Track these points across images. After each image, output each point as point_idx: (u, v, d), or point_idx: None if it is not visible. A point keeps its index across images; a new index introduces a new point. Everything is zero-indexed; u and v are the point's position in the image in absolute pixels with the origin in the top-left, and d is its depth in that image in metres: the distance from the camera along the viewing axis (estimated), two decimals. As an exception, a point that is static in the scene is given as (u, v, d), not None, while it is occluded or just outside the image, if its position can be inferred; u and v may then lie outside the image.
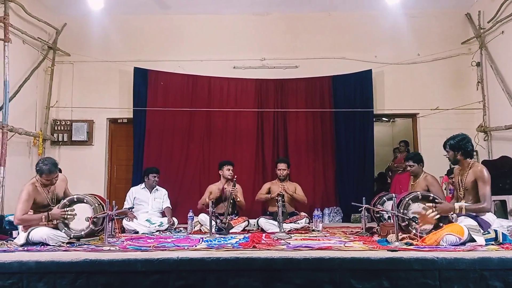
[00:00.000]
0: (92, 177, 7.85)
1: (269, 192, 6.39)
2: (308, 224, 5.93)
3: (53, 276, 3.30)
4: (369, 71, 7.97)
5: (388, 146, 10.27)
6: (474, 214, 4.13)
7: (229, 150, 7.84)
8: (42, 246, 4.10)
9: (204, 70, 8.09)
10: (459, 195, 4.40)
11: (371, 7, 7.91)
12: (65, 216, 4.41)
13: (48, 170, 4.44)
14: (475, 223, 4.02)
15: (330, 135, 7.97)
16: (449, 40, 8.08)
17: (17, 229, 4.85)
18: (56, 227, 4.39)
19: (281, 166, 6.44)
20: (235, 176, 6.15)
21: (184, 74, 8.06)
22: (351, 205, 5.48)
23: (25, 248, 4.02)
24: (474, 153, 7.14)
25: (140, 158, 7.77)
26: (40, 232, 4.22)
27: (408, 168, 5.45)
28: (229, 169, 6.31)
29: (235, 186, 6.05)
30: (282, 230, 5.05)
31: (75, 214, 4.45)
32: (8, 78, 6.46)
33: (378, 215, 5.39)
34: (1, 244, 4.30)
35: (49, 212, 4.37)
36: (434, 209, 4.19)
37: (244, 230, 5.88)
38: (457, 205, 4.15)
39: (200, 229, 5.85)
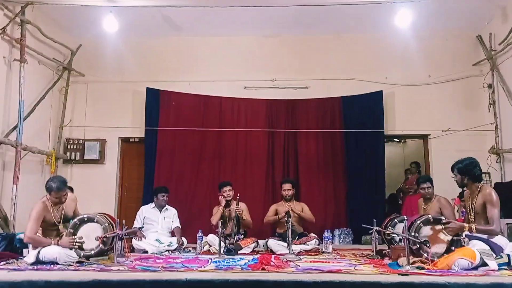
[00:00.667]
0: (103, 196, 7.90)
1: (276, 213, 6.35)
2: (318, 246, 5.88)
3: (62, 296, 3.31)
4: (380, 92, 7.97)
5: (399, 167, 10.19)
6: (486, 237, 4.07)
7: (239, 170, 7.85)
8: (52, 265, 4.12)
9: (215, 90, 8.17)
10: (469, 219, 4.35)
11: (381, 29, 7.96)
12: (74, 245, 4.42)
13: (57, 188, 4.50)
14: (487, 247, 3.96)
15: (341, 155, 7.95)
16: (460, 62, 8.08)
17: (28, 247, 4.88)
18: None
19: (286, 186, 6.44)
20: (238, 194, 6.17)
21: (196, 94, 8.14)
22: (362, 226, 5.43)
23: (35, 267, 4.04)
24: (486, 176, 7.14)
25: (151, 177, 7.81)
26: (51, 251, 4.25)
27: (426, 190, 5.40)
28: (225, 191, 6.28)
29: (238, 205, 6.07)
30: (292, 252, 5.01)
31: (83, 243, 4.47)
32: (23, 97, 6.60)
33: (389, 238, 5.33)
34: (12, 262, 4.32)
35: (59, 241, 4.41)
36: (445, 231, 4.15)
37: (253, 251, 5.85)
38: (467, 225, 4.13)
39: (209, 250, 5.83)
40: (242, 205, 6.28)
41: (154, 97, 8.05)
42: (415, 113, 8.07)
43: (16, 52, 6.74)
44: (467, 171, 4.32)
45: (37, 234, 4.49)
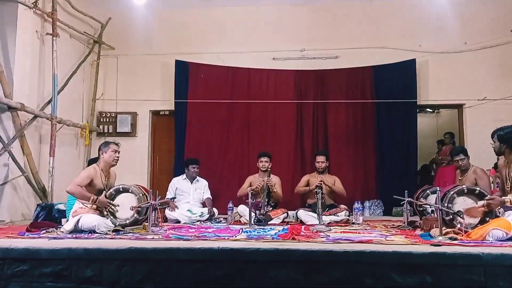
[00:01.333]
0: (136, 168, 8.08)
1: (308, 184, 6.38)
2: (348, 217, 5.89)
3: (100, 263, 3.44)
4: (413, 61, 7.75)
5: (432, 138, 9.99)
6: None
7: (268, 142, 7.86)
8: (90, 234, 4.27)
9: (243, 62, 8.12)
10: (505, 188, 4.25)
11: (414, -6, 7.68)
12: (109, 207, 4.58)
13: (110, 143, 4.87)
14: (524, 218, 3.88)
15: (372, 127, 7.85)
16: (497, 28, 7.73)
17: (66, 217, 5.09)
18: (102, 216, 4.56)
19: (320, 158, 6.42)
20: (270, 166, 6.23)
21: (224, 66, 8.12)
22: (393, 198, 5.38)
23: (74, 236, 4.20)
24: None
25: (182, 149, 7.92)
26: (90, 219, 4.41)
27: (460, 162, 5.29)
28: (262, 161, 6.34)
29: (269, 177, 6.13)
30: (322, 223, 5.04)
31: (117, 210, 4.62)
32: (56, 71, 6.74)
33: (421, 209, 5.27)
34: (51, 231, 4.51)
35: (98, 198, 4.57)
36: (486, 208, 4.07)
37: (283, 222, 5.91)
38: (507, 198, 4.03)
39: (239, 220, 5.93)
40: (275, 178, 6.34)
41: (183, 70, 8.07)
42: (449, 82, 7.83)
43: (48, 26, 6.86)
44: (507, 139, 4.22)
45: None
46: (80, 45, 7.90)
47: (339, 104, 7.88)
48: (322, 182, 6.03)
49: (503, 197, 4.08)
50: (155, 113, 8.49)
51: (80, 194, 4.57)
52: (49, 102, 6.82)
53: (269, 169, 6.25)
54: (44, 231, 4.45)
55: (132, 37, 8.36)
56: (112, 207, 4.61)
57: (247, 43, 8.19)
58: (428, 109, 9.83)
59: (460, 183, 5.11)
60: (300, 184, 6.48)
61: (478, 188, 4.28)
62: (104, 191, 4.71)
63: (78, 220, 4.42)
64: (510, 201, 4.02)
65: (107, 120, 8.27)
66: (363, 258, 3.27)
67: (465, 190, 4.25)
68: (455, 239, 3.76)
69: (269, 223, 5.61)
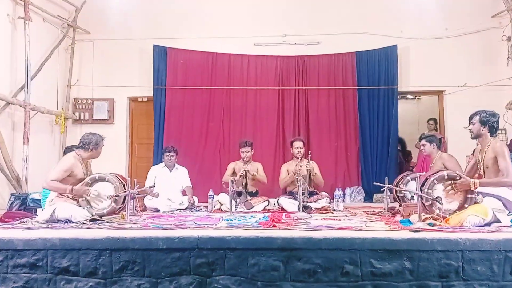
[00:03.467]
0: (114, 156, 7.93)
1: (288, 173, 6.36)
2: (328, 204, 5.94)
3: (77, 253, 3.43)
4: (394, 47, 7.82)
5: (413, 124, 10.11)
6: (498, 194, 4.07)
7: (249, 128, 7.87)
8: (66, 223, 4.23)
9: (224, 47, 8.06)
10: (480, 174, 4.35)
11: (396, -20, 7.70)
12: (88, 194, 4.53)
13: (102, 140, 4.82)
14: (500, 203, 3.97)
15: (353, 113, 7.90)
16: (478, 14, 7.82)
17: (41, 207, 5.02)
18: (79, 205, 4.52)
19: (298, 144, 6.31)
20: (252, 154, 6.33)
21: (204, 51, 8.05)
22: (373, 185, 5.46)
23: (49, 226, 4.15)
24: (502, 132, 7.07)
25: (161, 137, 7.87)
26: (66, 209, 4.36)
27: (421, 147, 5.56)
28: (243, 152, 6.35)
29: (247, 163, 6.23)
30: (302, 210, 5.08)
31: (97, 195, 4.57)
32: (29, 56, 6.59)
33: (401, 195, 5.36)
34: (26, 221, 4.45)
35: (73, 187, 4.51)
36: (454, 185, 4.15)
37: (264, 209, 5.94)
38: (476, 180, 4.09)
39: (220, 208, 5.94)
40: (257, 165, 6.40)
41: (161, 55, 7.98)
42: (430, 68, 7.91)
43: (19, 10, 6.68)
44: (488, 121, 4.28)
45: None
46: (54, 29, 7.72)
47: (321, 90, 7.91)
48: (300, 169, 6.01)
49: (471, 179, 4.13)
50: (133, 100, 8.39)
51: (56, 189, 4.52)
52: (22, 88, 6.67)
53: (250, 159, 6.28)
54: (19, 221, 4.39)
55: (108, 21, 8.18)
56: (92, 192, 4.55)
57: (227, 28, 8.11)
58: (409, 96, 9.93)
59: (431, 170, 5.21)
60: (282, 176, 6.39)
61: (459, 174, 4.33)
62: (83, 181, 4.65)
63: (54, 210, 4.37)
64: (477, 184, 4.07)
65: (83, 107, 8.15)
66: (343, 245, 3.33)
67: (446, 177, 4.32)
68: (434, 225, 3.84)
69: (250, 210, 5.64)
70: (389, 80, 7.81)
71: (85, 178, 4.68)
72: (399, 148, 8.46)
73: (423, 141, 5.64)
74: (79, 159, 4.73)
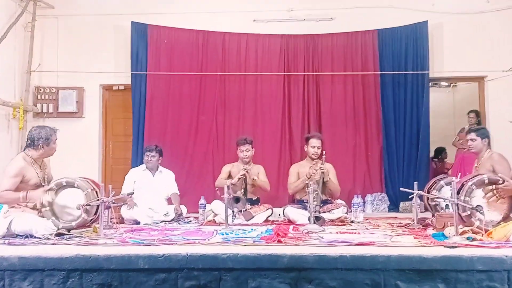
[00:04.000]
0: (84, 157, 7.98)
1: (299, 177, 6.34)
2: (345, 214, 5.94)
3: (40, 275, 3.43)
4: (425, 23, 7.81)
5: (448, 117, 10.12)
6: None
7: (248, 123, 7.88)
8: (26, 239, 4.23)
9: (217, 24, 8.05)
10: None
11: None
12: (46, 198, 4.52)
13: (54, 133, 4.82)
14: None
15: (375, 104, 7.90)
16: (528, -18, 7.84)
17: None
18: (41, 216, 4.52)
19: (316, 143, 6.31)
20: (252, 154, 6.34)
21: (193, 29, 8.04)
22: (400, 191, 5.46)
23: (6, 241, 4.15)
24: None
25: (141, 133, 7.86)
26: (25, 221, 4.36)
27: (469, 142, 5.41)
28: (242, 150, 6.35)
29: (246, 164, 6.23)
30: (314, 222, 5.09)
31: (54, 202, 4.58)
32: (-20, 36, 6.59)
33: (433, 204, 5.37)
34: (-23, 237, 4.45)
35: (28, 193, 4.51)
36: (496, 191, 4.15)
37: (267, 220, 5.95)
38: None
39: (213, 220, 5.94)
40: (257, 168, 6.40)
41: (141, 34, 7.97)
42: (468, 49, 7.91)
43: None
44: None
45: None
46: (10, 3, 7.71)
47: (336, 76, 7.91)
48: (315, 173, 6.03)
49: None
50: (107, 88, 8.40)
51: (10, 201, 4.52)
52: (-28, 74, 6.68)
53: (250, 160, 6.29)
54: (-31, 237, 4.39)
55: (76, -7, 8.22)
56: (49, 197, 4.55)
57: (222, 0, 8.12)
58: (443, 83, 9.93)
59: (476, 171, 5.20)
60: (291, 180, 6.36)
61: (501, 177, 4.33)
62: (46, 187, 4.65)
63: (11, 222, 4.37)
64: None
65: (47, 97, 8.14)
66: (364, 264, 3.33)
67: (486, 181, 4.32)
68: (474, 239, 3.84)
69: (249, 222, 5.65)
70: (419, 64, 7.80)
71: (40, 183, 4.67)
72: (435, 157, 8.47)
73: (473, 135, 5.39)
74: (29, 160, 4.71)
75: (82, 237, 4.35)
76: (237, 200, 5.65)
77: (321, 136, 6.64)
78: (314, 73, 7.94)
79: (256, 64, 8.00)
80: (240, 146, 6.39)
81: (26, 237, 4.29)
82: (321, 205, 5.98)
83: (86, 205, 4.53)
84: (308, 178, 5.99)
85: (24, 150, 4.85)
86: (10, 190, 4.48)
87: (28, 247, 3.85)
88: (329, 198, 6.31)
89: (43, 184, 4.74)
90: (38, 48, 8.19)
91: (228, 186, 5.34)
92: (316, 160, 6.26)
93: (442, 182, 5.46)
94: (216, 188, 6.23)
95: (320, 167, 6.03)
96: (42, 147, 4.75)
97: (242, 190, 6.09)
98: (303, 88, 7.94)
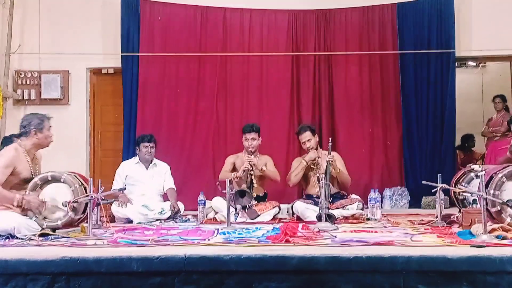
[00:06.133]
0: (70, 148, 8.00)
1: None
2: (361, 211, 5.96)
3: (23, 279, 3.44)
4: (450, -4, 7.80)
5: (476, 101, 10.10)
6: None
7: (252, 109, 7.91)
8: (8, 240, 4.26)
9: (217, -1, 8.06)
10: None
11: None
12: (43, 209, 4.55)
13: (47, 119, 4.79)
14: None
15: (395, 87, 7.91)
16: None
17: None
18: (24, 215, 4.55)
19: (305, 137, 6.33)
20: (259, 144, 6.35)
21: (190, 4, 8.04)
22: (422, 184, 5.47)
23: (-14, 242, 4.19)
24: None
25: (133, 122, 7.88)
26: (7, 220, 4.38)
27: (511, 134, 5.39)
28: (247, 139, 6.37)
29: (252, 155, 6.25)
30: (326, 219, 5.10)
31: (54, 208, 4.60)
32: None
33: (460, 198, 5.37)
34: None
35: (24, 196, 4.53)
36: None
37: (274, 218, 5.98)
38: None
39: (214, 218, 5.97)
40: (265, 158, 6.41)
41: (133, 11, 7.97)
42: (499, 25, 7.88)
43: None
44: None
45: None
46: (-14, -23, 7.74)
47: (350, 56, 7.91)
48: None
49: None
50: (95, 72, 8.41)
51: (1, 199, 4.54)
52: None
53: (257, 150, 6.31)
54: None
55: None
56: (48, 206, 4.58)
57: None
58: (470, 62, 9.89)
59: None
60: (294, 171, 6.40)
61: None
62: (30, 187, 4.63)
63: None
64: None
65: (28, 82, 8.16)
66: (381, 266, 3.34)
67: (518, 172, 4.32)
68: (504, 237, 3.84)
69: (255, 220, 5.67)
70: (443, 41, 7.80)
71: (31, 177, 4.69)
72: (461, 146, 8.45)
73: None
74: (22, 151, 4.73)
75: (69, 237, 4.37)
76: (242, 194, 5.65)
77: (312, 125, 6.66)
78: (326, 53, 7.94)
79: (261, 43, 8.01)
80: (246, 133, 6.39)
81: (7, 237, 4.31)
82: (332, 199, 5.98)
83: (73, 202, 4.54)
84: (307, 164, 6.01)
85: (17, 140, 4.87)
86: (1, 182, 4.50)
87: (9, 249, 3.87)
88: (342, 192, 6.32)
89: (34, 177, 4.73)
90: (18, 27, 8.20)
91: (230, 180, 5.35)
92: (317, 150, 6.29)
93: (472, 174, 5.45)
94: (217, 183, 6.23)
95: (327, 159, 6.02)
96: (35, 133, 4.74)
97: (248, 184, 6.08)
98: (313, 70, 7.95)
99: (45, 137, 4.82)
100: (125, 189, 6.21)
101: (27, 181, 4.67)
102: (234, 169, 6.39)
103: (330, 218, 5.18)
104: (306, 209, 5.90)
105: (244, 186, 5.96)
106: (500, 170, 4.41)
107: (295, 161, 6.54)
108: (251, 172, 6.13)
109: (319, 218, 5.17)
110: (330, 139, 6.23)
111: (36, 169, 4.86)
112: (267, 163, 6.40)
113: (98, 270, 3.43)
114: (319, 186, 5.24)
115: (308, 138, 6.33)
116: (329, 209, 5.42)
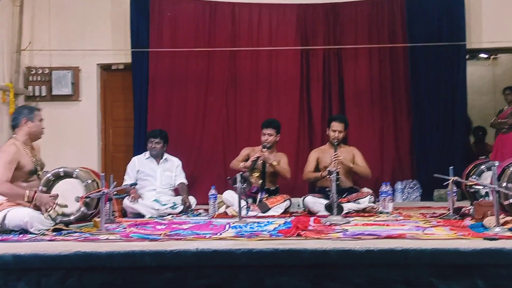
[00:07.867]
0: (81, 144, 8.04)
1: (317, 164, 6.36)
2: (373, 204, 5.96)
3: (37, 274, 3.46)
4: (461, -13, 7.75)
5: (488, 94, 10.03)
6: None
7: (262, 104, 7.91)
8: (21, 235, 4.29)
9: (226, -6, 8.05)
10: None
11: None
12: (54, 207, 4.57)
13: (37, 110, 4.82)
14: None
15: (404, 80, 7.88)
16: None
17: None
18: (37, 210, 4.57)
19: (337, 126, 6.30)
20: (277, 140, 6.39)
21: (199, 0, 8.03)
22: (434, 177, 5.44)
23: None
24: None
25: (143, 117, 7.91)
26: (20, 215, 4.40)
27: None
28: (264, 134, 6.37)
29: (265, 148, 6.23)
30: (336, 212, 5.10)
31: (66, 206, 4.62)
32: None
33: (472, 191, 5.35)
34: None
35: (36, 194, 4.55)
36: None
37: (285, 212, 5.98)
38: None
39: (225, 212, 5.98)
40: (280, 156, 6.45)
41: (142, 6, 7.98)
42: (511, 16, 7.82)
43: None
44: None
45: None
46: (-4, -26, 7.76)
47: (360, 50, 7.88)
48: (338, 161, 6.03)
49: None
50: (105, 68, 8.43)
51: (11, 195, 4.55)
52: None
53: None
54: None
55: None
56: (60, 204, 4.59)
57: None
58: (481, 55, 9.82)
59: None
60: (308, 168, 6.43)
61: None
62: (42, 182, 4.67)
63: (4, 216, 4.43)
64: None
65: (39, 78, 8.19)
66: (393, 259, 3.33)
67: (531, 164, 4.30)
68: (517, 230, 3.83)
69: (266, 214, 5.68)
70: (453, 33, 7.75)
71: (35, 170, 4.71)
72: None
73: None
74: (20, 145, 4.73)
75: (81, 232, 4.38)
76: (244, 179, 5.64)
77: (346, 119, 6.61)
78: (336, 47, 7.92)
79: (270, 38, 8.00)
80: (263, 128, 6.41)
81: (21, 232, 4.34)
82: (346, 194, 5.99)
83: (86, 197, 4.57)
84: (327, 171, 5.99)
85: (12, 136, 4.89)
86: (9, 178, 4.52)
87: (23, 244, 3.88)
88: (355, 186, 6.32)
89: (37, 171, 4.77)
90: (28, 24, 8.22)
91: (240, 175, 5.36)
92: (337, 145, 6.26)
93: (483, 167, 5.43)
94: (228, 178, 6.25)
95: (333, 156, 6.02)
96: (26, 122, 4.75)
97: (260, 179, 6.11)
98: (323, 64, 7.94)
99: (36, 127, 4.82)
100: (136, 184, 6.22)
101: (32, 173, 4.70)
102: (247, 161, 6.39)
103: (338, 208, 5.18)
104: (314, 203, 5.91)
105: (247, 174, 5.96)
106: (512, 162, 4.39)
107: (312, 154, 6.56)
108: (265, 164, 6.16)
109: (327, 207, 5.17)
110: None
111: (38, 160, 4.88)
112: (281, 160, 6.40)
113: (110, 265, 3.44)
114: (331, 180, 5.22)
115: (340, 129, 6.30)
116: (340, 203, 5.43)
